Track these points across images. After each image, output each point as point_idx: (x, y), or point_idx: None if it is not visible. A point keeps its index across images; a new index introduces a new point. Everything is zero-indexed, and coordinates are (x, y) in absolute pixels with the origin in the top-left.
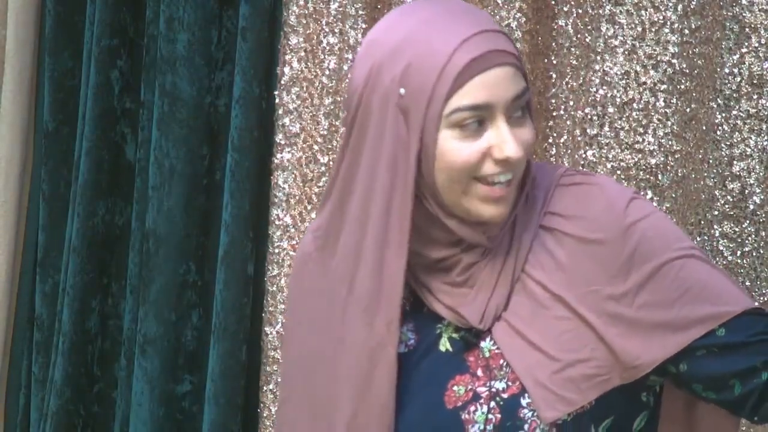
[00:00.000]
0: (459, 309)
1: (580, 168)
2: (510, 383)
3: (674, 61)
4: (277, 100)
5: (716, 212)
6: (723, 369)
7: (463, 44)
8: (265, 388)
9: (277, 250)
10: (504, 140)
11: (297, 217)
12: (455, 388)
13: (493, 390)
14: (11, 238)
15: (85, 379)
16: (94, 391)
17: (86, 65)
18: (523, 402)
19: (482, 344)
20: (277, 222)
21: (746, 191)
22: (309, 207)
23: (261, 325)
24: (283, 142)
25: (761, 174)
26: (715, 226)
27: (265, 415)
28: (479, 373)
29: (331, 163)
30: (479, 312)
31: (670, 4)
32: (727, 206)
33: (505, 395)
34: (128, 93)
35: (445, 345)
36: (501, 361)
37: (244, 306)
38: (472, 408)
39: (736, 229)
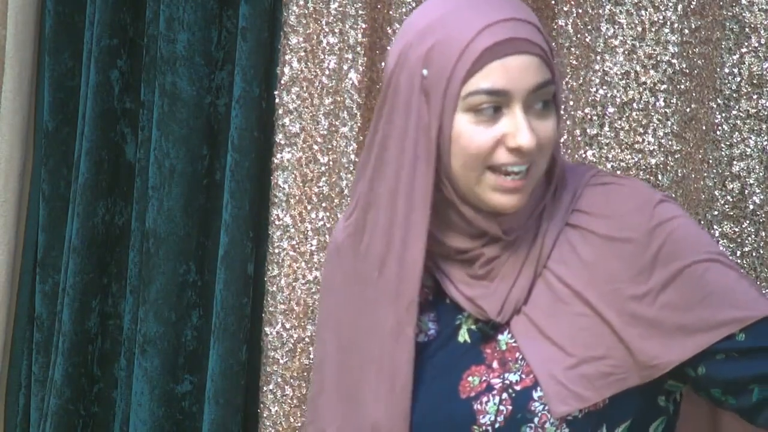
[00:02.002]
0: (479, 301)
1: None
2: (524, 376)
3: (674, 61)
4: (277, 100)
5: (716, 212)
6: (742, 373)
7: (487, 29)
8: (265, 388)
9: (277, 250)
10: (518, 128)
11: (297, 217)
12: (470, 378)
13: (507, 382)
14: (11, 238)
15: (85, 379)
16: (94, 391)
17: (86, 65)
18: (535, 395)
19: (500, 337)
20: (277, 222)
21: (746, 191)
22: (309, 207)
23: (261, 325)
24: (283, 142)
25: (761, 174)
26: (715, 226)
27: (265, 415)
28: (495, 365)
29: (331, 162)
30: (498, 305)
31: (670, 4)
32: (727, 206)
33: (517, 387)
34: (128, 93)
35: (463, 336)
36: (517, 354)
37: (244, 306)
38: (485, 399)
39: (736, 229)
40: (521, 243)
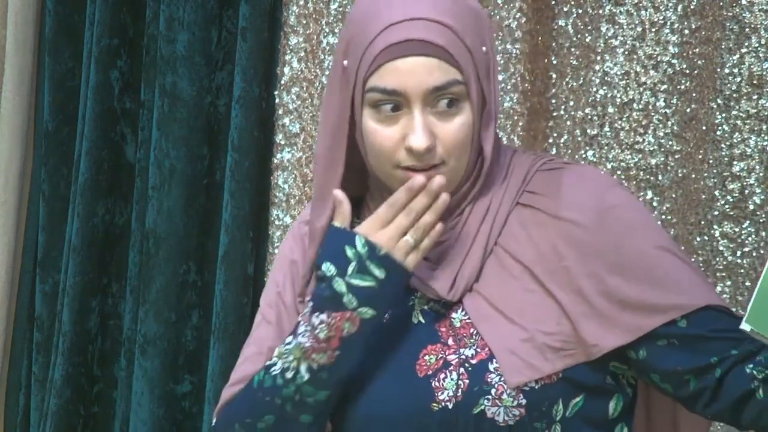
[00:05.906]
0: (429, 281)
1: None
2: (479, 350)
3: (674, 61)
4: (277, 100)
5: (716, 212)
6: (680, 364)
7: (387, 29)
8: None
9: (277, 251)
10: (412, 129)
11: (297, 217)
12: (426, 357)
13: (463, 357)
14: (11, 238)
15: (85, 379)
16: (94, 391)
17: (86, 65)
18: (491, 367)
19: (453, 315)
20: (277, 222)
21: (746, 191)
22: None
23: None
24: (283, 142)
25: (761, 174)
26: (715, 226)
27: None
28: (450, 342)
29: None
30: (448, 283)
31: (670, 4)
32: (727, 206)
33: (473, 361)
34: (128, 93)
35: (417, 317)
36: (471, 330)
37: (244, 306)
38: (442, 375)
39: (736, 229)
40: (470, 224)
